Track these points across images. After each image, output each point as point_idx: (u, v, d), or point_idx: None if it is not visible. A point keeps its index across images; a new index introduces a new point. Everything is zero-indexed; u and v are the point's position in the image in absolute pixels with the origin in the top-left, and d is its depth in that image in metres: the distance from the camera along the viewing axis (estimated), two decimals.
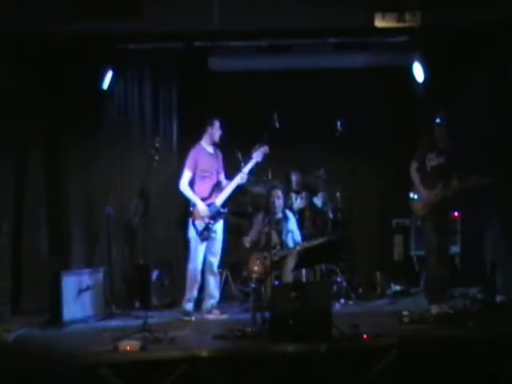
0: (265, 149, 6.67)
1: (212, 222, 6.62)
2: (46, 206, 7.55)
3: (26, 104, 7.30)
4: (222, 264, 7.52)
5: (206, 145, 6.83)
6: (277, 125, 6.72)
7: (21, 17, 6.31)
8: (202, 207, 6.59)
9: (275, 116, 6.70)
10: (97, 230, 7.68)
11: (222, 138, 6.89)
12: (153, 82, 7.98)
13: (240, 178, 6.73)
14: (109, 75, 7.55)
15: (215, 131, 6.80)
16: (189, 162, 6.69)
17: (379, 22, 6.23)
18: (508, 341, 5.17)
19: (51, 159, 7.67)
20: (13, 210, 7.12)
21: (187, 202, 6.85)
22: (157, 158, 6.12)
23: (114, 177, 7.87)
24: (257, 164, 6.75)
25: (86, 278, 6.79)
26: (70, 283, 6.63)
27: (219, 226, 6.77)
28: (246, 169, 6.72)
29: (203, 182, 6.69)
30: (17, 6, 6.13)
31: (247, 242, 6.87)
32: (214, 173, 6.79)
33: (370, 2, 6.26)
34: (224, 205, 6.74)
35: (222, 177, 6.91)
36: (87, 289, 6.76)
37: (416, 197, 6.40)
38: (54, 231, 7.59)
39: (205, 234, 6.60)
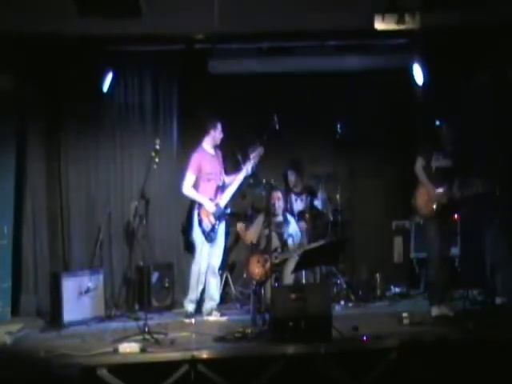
0: (260, 150, 6.74)
1: (217, 222, 6.66)
2: (46, 207, 7.54)
3: (25, 105, 7.30)
4: (223, 266, 7.52)
5: (208, 147, 6.86)
6: (277, 127, 6.74)
7: (21, 17, 6.31)
8: (210, 206, 6.62)
9: (275, 118, 6.72)
10: (97, 231, 7.67)
11: (222, 140, 6.92)
12: (153, 84, 7.97)
13: (240, 179, 6.79)
14: (109, 77, 7.55)
15: (218, 134, 6.84)
16: (192, 165, 6.70)
17: (379, 25, 6.22)
18: (508, 343, 5.17)
19: (51, 160, 7.67)
20: (13, 211, 7.11)
21: (189, 205, 6.88)
22: (157, 159, 6.11)
23: (114, 178, 7.87)
24: (254, 165, 6.80)
25: (85, 280, 6.78)
26: (69, 285, 6.63)
27: (221, 228, 6.79)
28: (247, 169, 6.76)
29: (208, 183, 6.72)
30: (17, 6, 6.12)
31: (241, 228, 6.89)
32: (218, 174, 6.82)
33: (370, 4, 6.26)
34: (226, 206, 6.79)
35: (224, 177, 6.94)
36: (87, 290, 6.76)
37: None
38: (54, 233, 7.59)
39: (211, 235, 6.64)
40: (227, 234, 7.08)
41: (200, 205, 6.64)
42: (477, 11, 6.39)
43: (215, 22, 6.26)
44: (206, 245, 6.65)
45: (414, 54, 7.71)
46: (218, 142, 6.88)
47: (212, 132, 6.82)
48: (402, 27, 6.24)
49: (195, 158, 6.73)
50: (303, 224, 7.45)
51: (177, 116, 7.97)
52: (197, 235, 6.68)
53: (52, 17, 6.32)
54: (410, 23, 6.20)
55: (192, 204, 6.88)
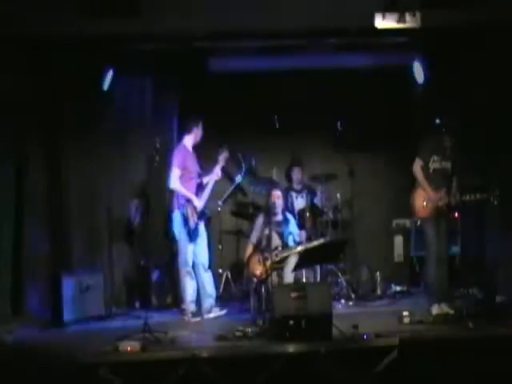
0: (225, 154, 6.77)
1: (199, 222, 6.65)
2: (47, 206, 7.53)
3: (26, 104, 7.29)
4: (223, 264, 7.54)
5: (189, 145, 6.85)
6: (277, 125, 6.74)
7: (21, 17, 6.30)
8: (198, 203, 6.62)
9: (275, 117, 6.72)
10: (97, 230, 7.68)
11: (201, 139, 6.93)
12: (153, 83, 7.98)
13: (213, 181, 6.80)
14: (109, 75, 7.56)
15: (200, 133, 6.84)
16: (177, 160, 6.66)
17: (379, 23, 6.23)
18: (508, 341, 5.18)
19: (52, 159, 7.66)
20: (13, 211, 7.11)
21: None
22: (157, 158, 6.11)
23: (115, 176, 7.87)
24: (222, 168, 6.82)
25: (86, 279, 6.80)
26: (70, 284, 6.65)
27: (202, 227, 6.79)
28: (216, 172, 6.77)
29: (190, 182, 6.69)
30: (17, 7, 6.12)
31: (251, 245, 6.90)
32: (197, 173, 6.81)
33: (370, 2, 6.26)
34: (205, 206, 6.79)
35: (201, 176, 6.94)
36: (87, 289, 6.77)
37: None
38: (54, 232, 7.59)
39: (195, 234, 6.62)
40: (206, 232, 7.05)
41: (184, 204, 6.61)
42: (477, 9, 6.39)
43: (215, 19, 6.27)
44: (190, 243, 6.63)
45: (415, 53, 7.71)
46: (199, 139, 6.88)
47: (195, 130, 6.82)
48: (402, 26, 6.25)
49: (180, 154, 6.71)
50: (303, 233, 7.33)
51: (177, 115, 7.98)
52: (180, 233, 6.66)
53: (52, 17, 6.32)
54: (410, 22, 6.21)
55: (172, 204, 6.84)
